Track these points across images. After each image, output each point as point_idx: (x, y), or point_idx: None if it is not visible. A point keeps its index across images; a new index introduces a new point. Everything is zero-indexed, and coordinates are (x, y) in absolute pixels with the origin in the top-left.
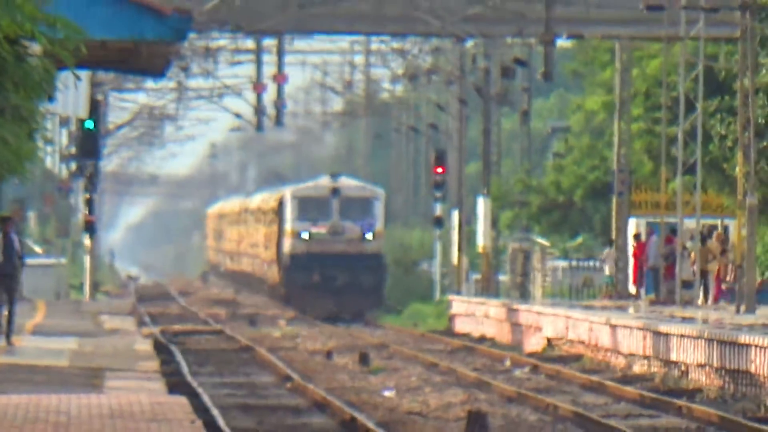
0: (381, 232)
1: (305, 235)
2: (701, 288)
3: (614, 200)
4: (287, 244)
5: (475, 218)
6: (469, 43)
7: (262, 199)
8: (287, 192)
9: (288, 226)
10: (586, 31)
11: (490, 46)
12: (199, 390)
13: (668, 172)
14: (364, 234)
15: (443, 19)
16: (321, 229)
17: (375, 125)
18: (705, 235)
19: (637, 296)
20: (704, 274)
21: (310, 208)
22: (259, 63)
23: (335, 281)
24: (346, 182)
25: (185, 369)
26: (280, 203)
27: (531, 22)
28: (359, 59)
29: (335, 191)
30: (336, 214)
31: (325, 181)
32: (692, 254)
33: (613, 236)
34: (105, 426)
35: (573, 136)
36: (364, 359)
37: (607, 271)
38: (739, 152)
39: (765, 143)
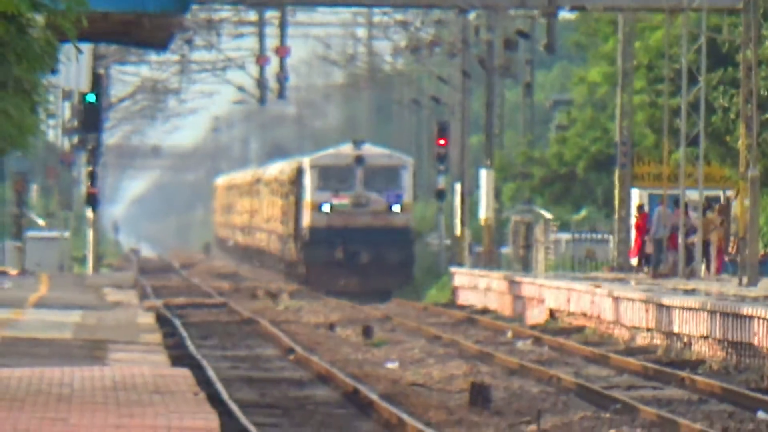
0: (409, 204)
1: (326, 208)
2: (703, 259)
3: (617, 172)
4: (306, 217)
5: (478, 190)
6: (472, 15)
7: (279, 169)
8: (306, 160)
9: (307, 198)
10: (588, 3)
11: (493, 18)
12: (203, 362)
13: (670, 144)
14: (390, 206)
15: None
16: (343, 201)
17: (377, 98)
18: (706, 207)
19: (639, 269)
20: (706, 245)
21: (331, 177)
22: (261, 36)
23: (359, 258)
24: (371, 150)
25: (188, 341)
26: (299, 173)
27: None
28: (361, 32)
29: (359, 159)
30: (360, 184)
31: (347, 149)
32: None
33: (616, 208)
34: (108, 398)
35: (576, 108)
36: (367, 332)
37: None
38: (741, 124)
39: (767, 115)
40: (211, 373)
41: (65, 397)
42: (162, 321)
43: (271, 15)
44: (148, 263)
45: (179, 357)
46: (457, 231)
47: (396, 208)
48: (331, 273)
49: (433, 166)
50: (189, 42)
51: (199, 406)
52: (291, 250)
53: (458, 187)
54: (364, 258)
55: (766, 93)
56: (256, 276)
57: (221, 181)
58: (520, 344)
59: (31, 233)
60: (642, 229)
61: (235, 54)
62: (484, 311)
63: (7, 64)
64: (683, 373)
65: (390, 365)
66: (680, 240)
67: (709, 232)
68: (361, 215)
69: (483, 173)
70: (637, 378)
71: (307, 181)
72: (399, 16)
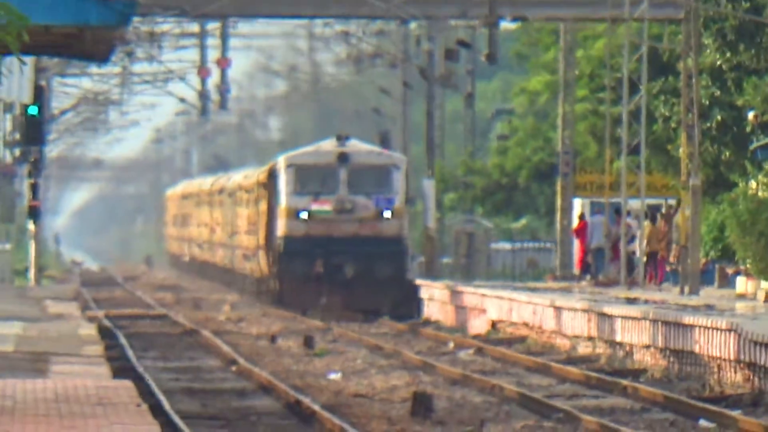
0: (402, 209)
1: (304, 215)
2: (649, 269)
3: (558, 182)
4: (281, 226)
5: (420, 200)
6: (413, 25)
7: (245, 174)
8: (281, 160)
9: (282, 203)
10: (529, 13)
11: (434, 28)
12: (145, 374)
13: (612, 153)
14: (380, 212)
15: (387, 1)
16: (325, 206)
17: (319, 109)
18: (654, 216)
19: (581, 277)
20: (653, 255)
21: (310, 179)
22: (203, 47)
23: (343, 272)
24: (357, 146)
25: (130, 353)
26: (271, 175)
27: (474, 4)
28: (302, 43)
29: (343, 157)
30: (344, 186)
31: (329, 145)
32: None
33: (558, 218)
34: (50, 410)
35: (517, 118)
36: (308, 342)
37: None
38: (682, 133)
39: (708, 124)
40: (153, 385)
41: (7, 409)
42: (104, 332)
43: (213, 27)
44: (90, 275)
45: (121, 369)
46: None
47: (387, 214)
48: (310, 290)
49: None
50: (130, 54)
51: (141, 417)
52: (260, 264)
53: None
54: (348, 272)
55: (706, 102)
56: (199, 287)
57: (175, 190)
58: (462, 354)
59: None
60: (581, 238)
61: (177, 66)
62: (426, 321)
63: None
64: (625, 382)
65: (332, 376)
66: (622, 248)
67: (657, 242)
68: (346, 223)
69: (425, 183)
70: (579, 387)
71: (282, 183)
72: (340, 27)
